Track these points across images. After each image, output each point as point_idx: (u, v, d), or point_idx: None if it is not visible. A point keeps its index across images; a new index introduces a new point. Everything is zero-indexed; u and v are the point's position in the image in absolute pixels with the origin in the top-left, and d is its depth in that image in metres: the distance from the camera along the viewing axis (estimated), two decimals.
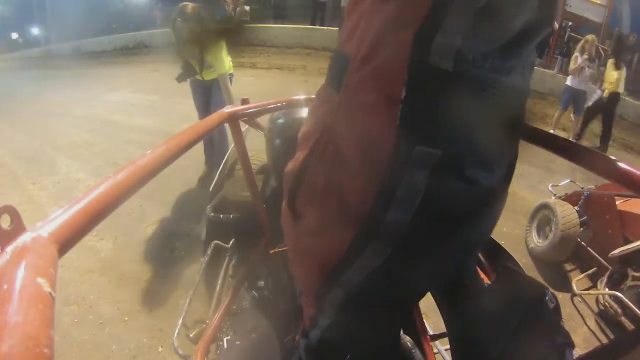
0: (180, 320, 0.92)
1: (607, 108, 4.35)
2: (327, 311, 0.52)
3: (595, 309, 1.90)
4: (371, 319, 0.51)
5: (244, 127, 0.94)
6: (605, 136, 4.47)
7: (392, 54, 0.37)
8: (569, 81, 4.33)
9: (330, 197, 0.46)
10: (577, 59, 4.18)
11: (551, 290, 0.54)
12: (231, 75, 2.57)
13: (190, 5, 2.22)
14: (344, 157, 0.43)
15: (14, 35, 14.00)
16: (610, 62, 4.30)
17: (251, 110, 0.87)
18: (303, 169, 0.50)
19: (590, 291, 1.97)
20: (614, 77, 4.20)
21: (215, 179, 1.39)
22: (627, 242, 1.82)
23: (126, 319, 1.73)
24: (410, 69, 0.36)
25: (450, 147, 0.37)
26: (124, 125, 4.33)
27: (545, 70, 6.82)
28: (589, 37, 4.26)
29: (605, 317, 1.83)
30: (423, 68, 0.35)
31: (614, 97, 4.27)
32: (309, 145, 0.49)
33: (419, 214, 0.39)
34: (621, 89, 4.30)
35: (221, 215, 1.14)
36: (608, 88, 4.24)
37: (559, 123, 4.62)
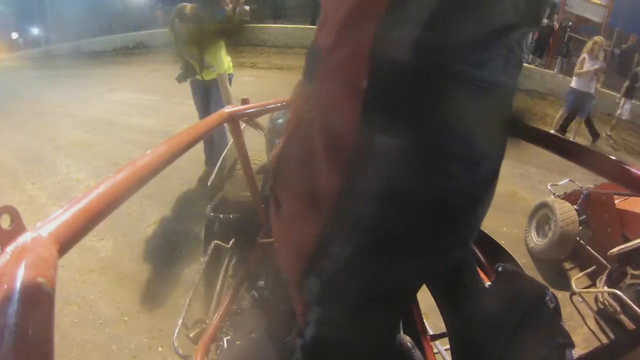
0: (180, 320, 0.92)
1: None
2: (309, 304, 0.52)
3: (595, 308, 1.90)
4: (362, 317, 0.50)
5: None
6: (593, 130, 4.60)
7: (356, 45, 0.38)
8: (573, 83, 4.28)
9: (303, 184, 0.47)
10: (586, 60, 4.13)
11: (551, 289, 0.54)
12: (231, 75, 2.56)
13: (188, 6, 2.22)
14: (315, 146, 0.44)
15: (14, 35, 13.99)
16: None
17: (251, 110, 0.87)
18: (282, 156, 0.52)
19: (590, 289, 1.97)
20: None
21: (212, 178, 1.39)
22: (626, 240, 1.82)
23: (126, 319, 1.73)
24: (371, 60, 0.37)
25: (413, 138, 0.37)
26: (124, 125, 4.33)
27: (545, 70, 6.83)
28: (598, 38, 4.20)
29: (604, 315, 1.83)
30: (384, 59, 0.36)
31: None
32: (287, 133, 0.51)
33: (386, 205, 0.39)
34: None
35: (221, 215, 1.13)
36: None
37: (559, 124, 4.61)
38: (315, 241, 0.46)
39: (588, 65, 4.11)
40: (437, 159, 0.38)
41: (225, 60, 2.39)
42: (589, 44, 4.20)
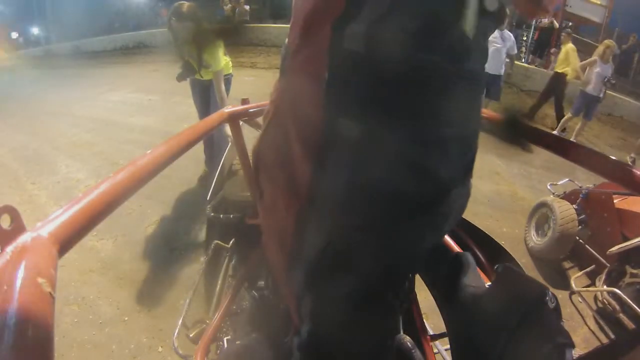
0: (180, 320, 0.92)
1: (561, 89, 4.58)
2: (300, 297, 0.52)
3: (594, 307, 1.91)
4: (353, 309, 0.50)
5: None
6: (560, 114, 4.66)
7: (317, 43, 0.43)
8: (584, 86, 4.23)
9: (280, 172, 0.51)
10: (597, 64, 4.08)
11: (550, 288, 0.54)
12: (230, 75, 2.56)
13: (185, 4, 2.21)
14: (288, 134, 0.48)
15: (14, 35, 13.98)
16: (570, 46, 4.49)
17: (251, 110, 0.87)
18: (261, 145, 0.56)
19: (589, 289, 1.98)
20: (575, 61, 4.36)
21: (215, 179, 1.39)
22: (625, 239, 1.82)
23: (126, 319, 1.73)
24: (330, 54, 0.41)
25: (371, 122, 0.40)
26: (124, 125, 4.33)
27: (545, 70, 6.82)
28: (610, 42, 4.17)
29: (604, 314, 1.83)
30: (340, 52, 0.41)
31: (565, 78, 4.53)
32: (265, 124, 0.55)
33: (352, 189, 0.42)
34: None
35: (221, 215, 1.13)
36: (570, 72, 4.42)
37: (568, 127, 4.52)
38: (293, 227, 0.48)
39: (599, 70, 4.08)
40: (396, 144, 0.40)
41: (222, 60, 2.39)
42: (600, 48, 4.14)
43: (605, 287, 1.83)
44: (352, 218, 0.43)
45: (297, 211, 0.47)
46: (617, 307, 1.72)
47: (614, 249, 1.80)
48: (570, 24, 7.11)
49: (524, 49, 7.35)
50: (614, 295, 1.74)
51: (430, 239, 0.49)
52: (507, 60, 4.48)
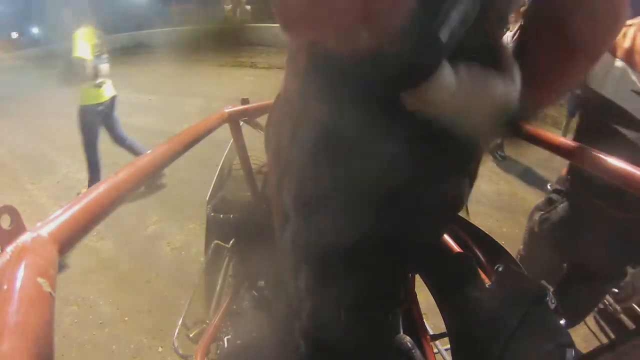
0: (180, 320, 0.92)
1: None
2: (295, 256, 0.57)
3: (595, 308, 1.91)
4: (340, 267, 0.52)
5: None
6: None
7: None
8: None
9: (275, 145, 0.61)
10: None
11: (550, 288, 0.54)
12: (100, 105, 2.63)
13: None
14: (284, 114, 0.57)
15: (14, 35, 13.99)
16: None
17: (251, 110, 0.87)
18: (269, 122, 0.68)
19: None
20: None
21: (215, 178, 1.39)
22: None
23: (126, 319, 1.73)
24: (307, 50, 0.49)
25: (333, 105, 0.46)
26: (123, 125, 4.31)
27: None
28: None
29: (604, 314, 1.83)
30: (314, 49, 0.47)
31: None
32: (273, 103, 0.67)
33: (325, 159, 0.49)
34: None
35: (221, 215, 1.13)
36: None
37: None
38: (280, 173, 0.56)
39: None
40: (363, 124, 0.44)
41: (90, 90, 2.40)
42: None
43: None
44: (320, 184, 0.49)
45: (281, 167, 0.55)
46: (618, 308, 1.72)
47: None
48: None
49: None
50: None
51: (391, 203, 0.50)
52: None
